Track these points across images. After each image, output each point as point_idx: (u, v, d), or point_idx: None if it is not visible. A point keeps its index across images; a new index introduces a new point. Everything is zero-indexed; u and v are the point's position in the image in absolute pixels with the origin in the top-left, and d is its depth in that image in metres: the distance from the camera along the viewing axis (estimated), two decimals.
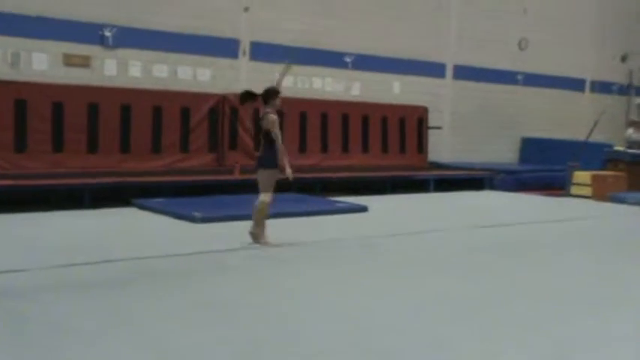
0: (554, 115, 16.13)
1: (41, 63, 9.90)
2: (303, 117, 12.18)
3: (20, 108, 9.58)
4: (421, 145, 13.89)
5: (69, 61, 10.12)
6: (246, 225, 6.71)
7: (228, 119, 11.32)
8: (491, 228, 8.22)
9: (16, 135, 9.55)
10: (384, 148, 13.33)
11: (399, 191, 11.60)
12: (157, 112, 10.70)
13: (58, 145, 9.87)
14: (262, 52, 11.73)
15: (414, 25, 13.73)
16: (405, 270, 5.81)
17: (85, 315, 4.20)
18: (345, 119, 12.77)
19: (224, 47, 11.46)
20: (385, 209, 9.48)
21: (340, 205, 9.30)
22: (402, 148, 13.60)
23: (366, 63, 13.07)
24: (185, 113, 10.98)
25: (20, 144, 9.59)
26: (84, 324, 4.03)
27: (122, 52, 10.55)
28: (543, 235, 8.00)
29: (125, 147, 10.45)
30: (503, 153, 15.45)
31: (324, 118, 12.51)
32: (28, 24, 9.67)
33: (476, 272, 5.78)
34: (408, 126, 13.64)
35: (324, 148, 12.56)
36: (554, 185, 13.05)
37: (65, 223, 7.68)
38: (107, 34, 10.35)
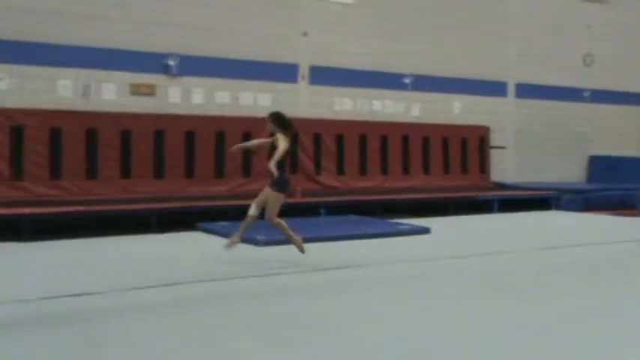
0: (623, 131, 15.60)
1: (110, 93, 10.30)
2: (363, 139, 12.19)
3: (91, 137, 9.98)
4: (484, 166, 13.65)
5: (136, 90, 10.49)
6: (309, 247, 6.73)
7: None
8: (562, 249, 7.94)
9: (87, 162, 9.95)
10: (446, 169, 13.18)
11: (462, 212, 11.39)
12: (220, 137, 10.92)
13: (126, 171, 10.21)
14: (321, 75, 11.84)
15: (473, 44, 13.59)
16: (473, 292, 5.67)
17: (161, 335, 4.29)
18: (406, 140, 12.70)
19: (284, 72, 11.62)
20: (448, 231, 9.32)
21: (402, 227, 9.20)
22: (464, 169, 13.41)
23: (425, 84, 13.00)
24: (247, 138, 11.10)
25: (91, 171, 9.99)
26: (160, 344, 4.11)
27: (185, 80, 10.85)
28: (619, 255, 7.67)
29: (190, 172, 10.71)
30: (570, 172, 15.00)
31: (384, 140, 12.47)
32: (97, 56, 10.09)
33: (551, 295, 5.57)
34: (470, 146, 13.45)
35: (385, 170, 12.51)
36: (625, 205, 12.55)
37: (135, 246, 7.88)
38: (171, 63, 10.67)
